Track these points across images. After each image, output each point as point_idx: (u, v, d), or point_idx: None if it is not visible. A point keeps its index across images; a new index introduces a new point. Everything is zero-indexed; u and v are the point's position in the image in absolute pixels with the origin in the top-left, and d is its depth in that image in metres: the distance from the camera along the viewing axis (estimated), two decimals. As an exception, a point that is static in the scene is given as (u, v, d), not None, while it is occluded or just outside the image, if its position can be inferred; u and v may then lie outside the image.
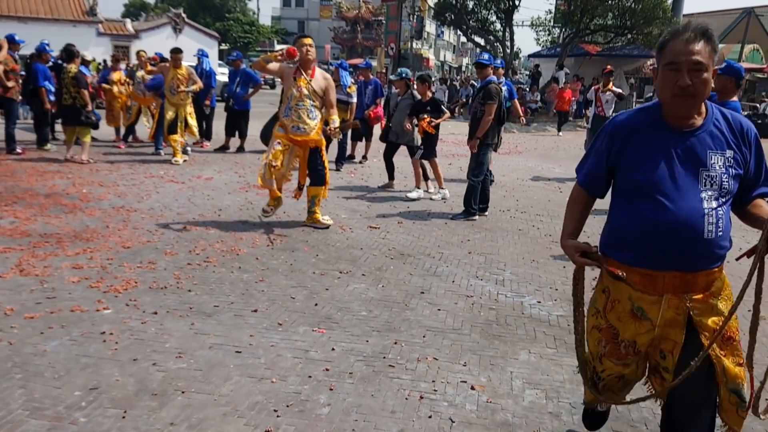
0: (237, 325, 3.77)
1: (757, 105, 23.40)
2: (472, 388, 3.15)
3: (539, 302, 4.38)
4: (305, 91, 5.72)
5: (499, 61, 11.30)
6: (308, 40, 5.80)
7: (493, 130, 6.73)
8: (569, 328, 3.93)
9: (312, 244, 5.54)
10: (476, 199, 6.76)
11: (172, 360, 3.28)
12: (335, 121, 5.94)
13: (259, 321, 3.85)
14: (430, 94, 7.89)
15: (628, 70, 27.06)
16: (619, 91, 10.39)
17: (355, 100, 9.46)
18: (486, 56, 6.97)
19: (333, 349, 3.52)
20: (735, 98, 5.20)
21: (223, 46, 40.54)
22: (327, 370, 3.27)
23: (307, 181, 6.14)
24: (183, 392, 2.96)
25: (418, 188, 7.84)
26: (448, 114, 7.93)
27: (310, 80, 5.76)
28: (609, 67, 11.04)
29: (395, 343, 3.62)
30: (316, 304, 4.15)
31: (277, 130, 5.88)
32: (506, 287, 4.65)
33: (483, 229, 6.41)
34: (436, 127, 7.64)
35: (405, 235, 6.02)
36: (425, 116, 7.57)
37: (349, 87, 9.36)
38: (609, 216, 2.20)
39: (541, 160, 12.30)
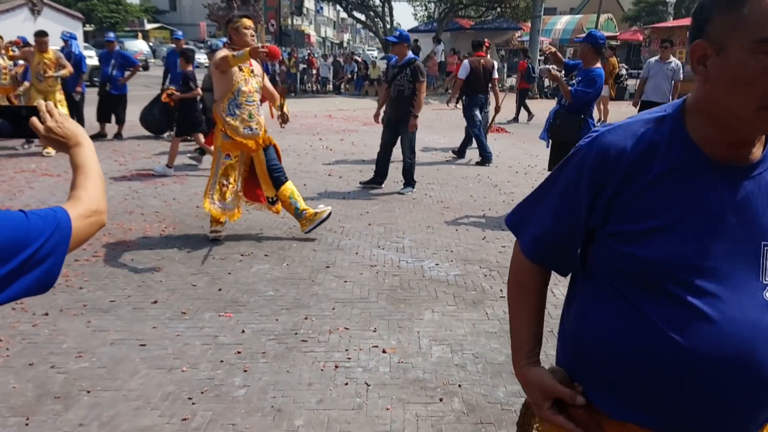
0: (138, 318, 3.64)
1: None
2: (384, 351, 3.28)
3: (437, 264, 4.59)
4: (254, 85, 4.85)
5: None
6: (249, 22, 4.83)
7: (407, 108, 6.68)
8: (466, 285, 4.18)
9: (208, 228, 5.41)
10: (412, 173, 6.94)
11: (72, 360, 3.13)
12: (283, 105, 5.42)
13: (160, 312, 3.74)
14: (190, 68, 7.87)
15: (499, 42, 28.25)
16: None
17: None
18: (398, 32, 6.82)
19: (243, 331, 3.51)
20: (598, 65, 5.61)
21: (88, 27, 37.66)
22: (239, 353, 3.26)
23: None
24: (89, 392, 2.85)
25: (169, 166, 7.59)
26: (197, 91, 7.64)
27: (253, 69, 4.89)
28: (487, 41, 11.47)
29: (305, 318, 3.67)
30: (219, 289, 4.09)
31: (221, 138, 4.83)
32: (406, 254, 4.82)
33: (380, 200, 6.56)
34: (187, 103, 7.54)
35: (303, 212, 6.03)
36: (170, 87, 7.46)
37: None
38: (579, 315, 1.22)
39: (427, 132, 12.65)
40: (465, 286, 4.16)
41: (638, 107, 9.02)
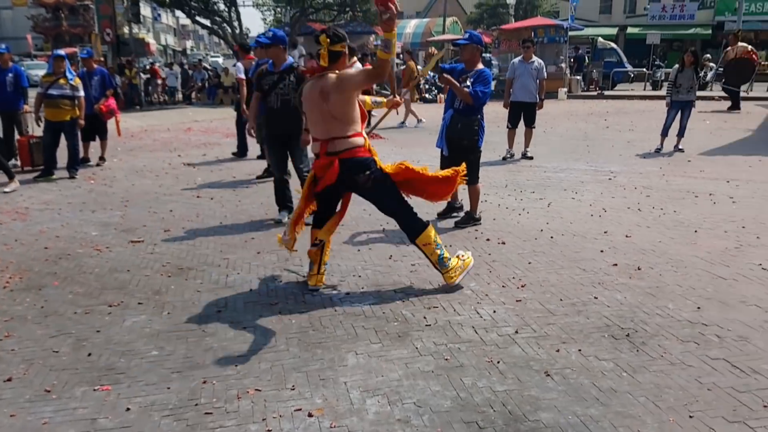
0: (-19, 409, 2.78)
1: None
2: (310, 415, 2.74)
3: (348, 294, 4.10)
4: None
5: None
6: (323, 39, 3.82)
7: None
8: (385, 316, 3.74)
9: (63, 275, 4.49)
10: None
11: None
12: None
13: (18, 392, 2.92)
14: None
15: (354, 46, 28.30)
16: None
17: (82, 93, 8.09)
18: (271, 33, 5.84)
19: (128, 409, 2.79)
20: (481, 65, 5.49)
21: None
22: (126, 440, 2.56)
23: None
24: None
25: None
26: None
27: None
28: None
29: (204, 382, 3.02)
30: (89, 354, 3.29)
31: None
32: (309, 284, 4.27)
33: (264, 223, 5.91)
34: None
35: (177, 245, 5.24)
36: None
37: (75, 79, 7.97)
38: None
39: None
40: (384, 317, 3.71)
41: (509, 108, 9.15)
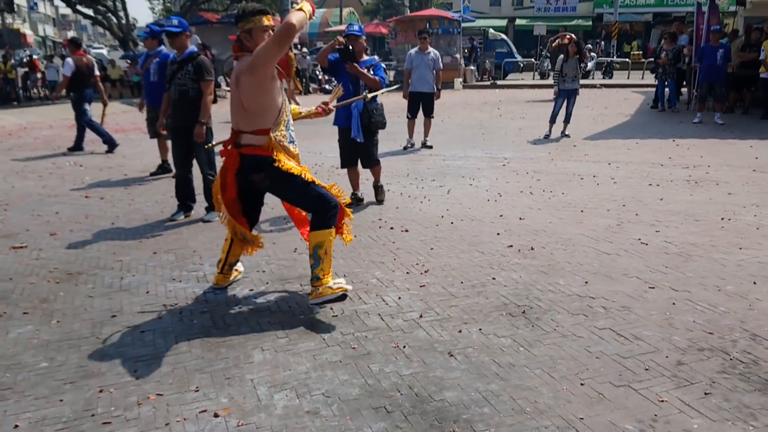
0: None
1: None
2: (216, 415, 2.67)
3: (251, 290, 4.02)
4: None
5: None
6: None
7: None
8: (291, 311, 3.71)
9: (-67, 289, 4.10)
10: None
11: None
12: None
13: None
14: None
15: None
16: None
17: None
18: (176, 20, 5.53)
19: (16, 426, 2.60)
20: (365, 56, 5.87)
21: None
22: (14, 460, 2.39)
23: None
24: None
25: None
26: None
27: None
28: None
29: (101, 391, 2.87)
30: (-33, 373, 3.03)
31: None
32: (210, 283, 4.15)
33: (160, 224, 5.66)
34: None
35: (65, 249, 4.92)
36: None
37: None
38: None
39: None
40: (291, 311, 3.68)
41: (408, 98, 9.30)
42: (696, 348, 3.10)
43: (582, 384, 2.81)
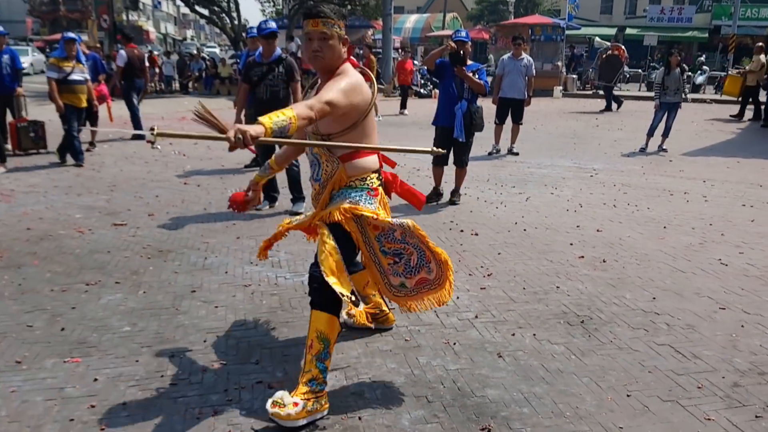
0: (-45, 376, 2.92)
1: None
2: (270, 386, 2.88)
3: (319, 279, 4.23)
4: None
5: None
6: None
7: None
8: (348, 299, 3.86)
9: (43, 255, 4.62)
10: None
11: None
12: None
13: (-13, 364, 3.04)
14: None
15: (353, 40, 28.37)
16: None
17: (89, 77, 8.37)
18: (272, 23, 5.93)
19: (95, 379, 2.92)
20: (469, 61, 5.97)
21: None
22: (92, 406, 2.70)
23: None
24: None
25: None
26: None
27: None
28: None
29: (172, 356, 3.16)
30: (62, 329, 3.42)
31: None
32: (284, 268, 4.41)
33: (246, 213, 6.00)
34: None
35: (160, 228, 5.37)
36: None
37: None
38: None
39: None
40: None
41: (497, 104, 9.28)
42: (757, 372, 2.96)
43: (628, 395, 2.77)
